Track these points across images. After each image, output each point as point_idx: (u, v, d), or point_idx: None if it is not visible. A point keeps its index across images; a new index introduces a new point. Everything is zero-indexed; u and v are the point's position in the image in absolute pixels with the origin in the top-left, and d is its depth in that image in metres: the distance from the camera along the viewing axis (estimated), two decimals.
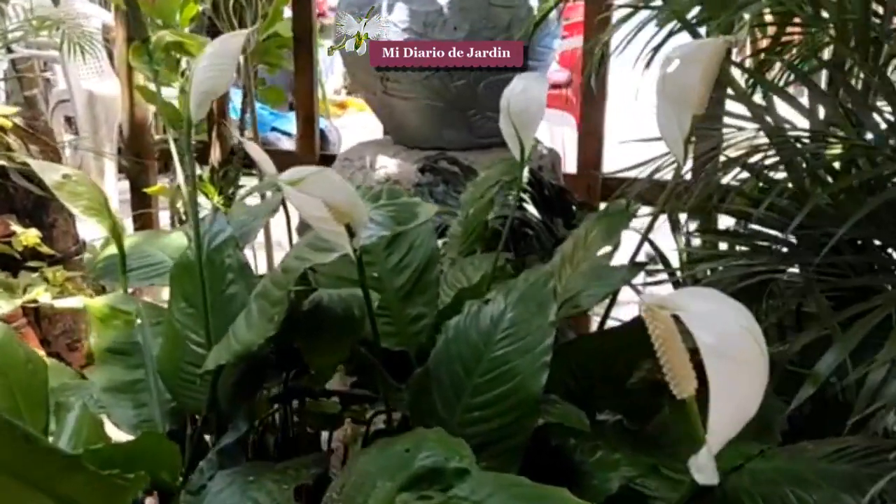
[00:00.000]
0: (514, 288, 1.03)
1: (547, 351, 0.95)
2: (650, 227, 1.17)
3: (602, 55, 2.17)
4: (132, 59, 1.56)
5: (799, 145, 1.25)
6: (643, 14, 1.41)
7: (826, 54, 1.43)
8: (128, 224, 2.83)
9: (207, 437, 1.14)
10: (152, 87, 2.50)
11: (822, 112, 1.30)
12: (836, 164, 1.27)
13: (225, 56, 1.02)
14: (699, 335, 0.53)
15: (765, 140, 1.28)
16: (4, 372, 1.05)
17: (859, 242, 1.21)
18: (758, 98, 1.37)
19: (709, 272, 1.29)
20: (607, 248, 1.25)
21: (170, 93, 2.47)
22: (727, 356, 0.53)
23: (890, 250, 1.20)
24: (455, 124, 1.92)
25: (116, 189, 3.75)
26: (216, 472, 0.97)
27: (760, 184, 1.34)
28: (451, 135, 1.94)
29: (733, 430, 0.56)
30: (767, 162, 1.28)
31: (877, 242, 1.21)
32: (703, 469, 0.58)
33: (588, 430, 0.99)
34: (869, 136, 1.19)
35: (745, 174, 1.33)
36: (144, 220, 2.68)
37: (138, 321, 1.23)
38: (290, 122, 4.67)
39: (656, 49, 1.38)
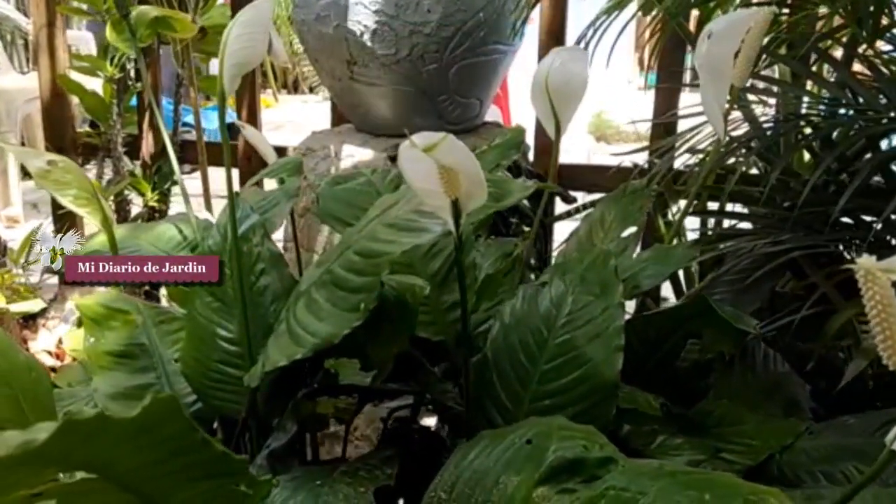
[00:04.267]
0: (570, 269, 0.99)
1: (619, 333, 0.91)
2: (685, 212, 1.15)
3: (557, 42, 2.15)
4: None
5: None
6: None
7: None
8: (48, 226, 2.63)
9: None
10: (75, 76, 2.34)
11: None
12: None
13: (258, 24, 0.94)
14: None
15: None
16: (7, 381, 0.93)
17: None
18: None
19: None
20: (632, 229, 1.22)
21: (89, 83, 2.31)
22: None
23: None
24: (424, 110, 1.86)
25: (20, 188, 3.50)
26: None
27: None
28: (419, 121, 1.87)
29: None
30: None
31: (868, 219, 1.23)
32: None
33: (660, 414, 0.95)
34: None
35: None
36: (66, 220, 2.48)
37: (139, 320, 1.12)
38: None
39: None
